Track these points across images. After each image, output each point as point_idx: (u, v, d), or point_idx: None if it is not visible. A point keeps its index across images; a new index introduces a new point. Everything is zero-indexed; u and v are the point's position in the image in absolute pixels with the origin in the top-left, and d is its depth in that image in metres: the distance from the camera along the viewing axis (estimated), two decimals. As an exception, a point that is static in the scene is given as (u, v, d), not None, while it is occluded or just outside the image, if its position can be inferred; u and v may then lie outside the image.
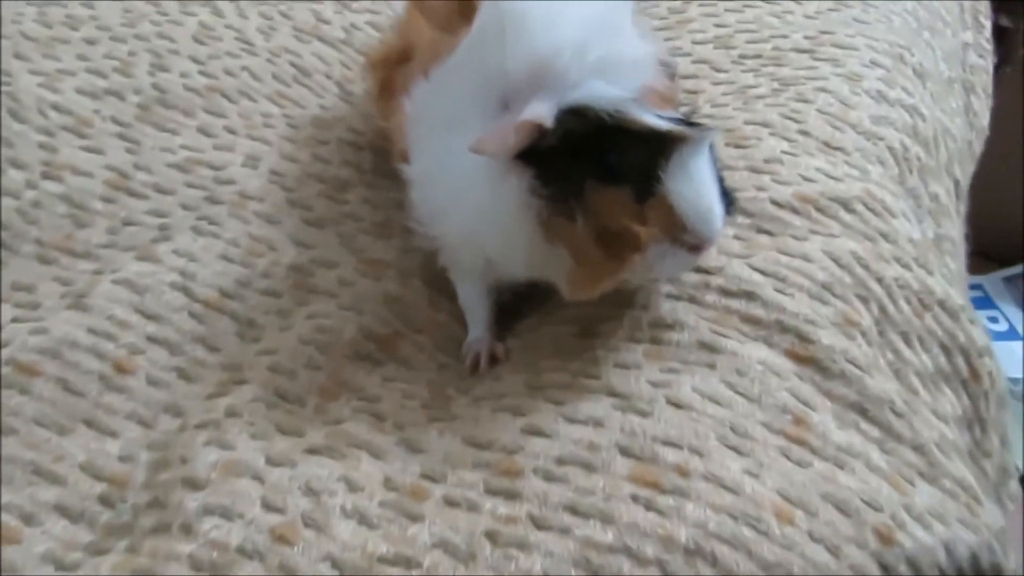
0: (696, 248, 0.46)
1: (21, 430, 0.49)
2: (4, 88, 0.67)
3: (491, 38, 0.49)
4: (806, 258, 0.54)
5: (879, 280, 0.55)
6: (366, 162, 0.70)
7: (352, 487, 0.44)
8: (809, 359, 0.49)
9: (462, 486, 0.43)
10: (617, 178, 0.46)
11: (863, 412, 0.49)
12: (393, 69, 0.64)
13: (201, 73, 0.73)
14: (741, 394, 0.46)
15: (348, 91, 0.77)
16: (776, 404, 0.46)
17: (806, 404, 0.47)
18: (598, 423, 0.45)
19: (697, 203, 0.45)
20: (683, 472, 0.42)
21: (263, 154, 0.69)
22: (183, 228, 0.61)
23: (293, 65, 0.77)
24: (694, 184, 0.45)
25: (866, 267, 0.55)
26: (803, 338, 0.50)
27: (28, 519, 0.45)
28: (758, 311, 0.51)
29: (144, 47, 0.74)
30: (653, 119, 0.45)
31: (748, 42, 0.79)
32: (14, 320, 0.55)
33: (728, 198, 0.48)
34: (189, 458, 0.46)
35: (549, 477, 0.43)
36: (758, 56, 0.77)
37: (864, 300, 0.54)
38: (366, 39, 0.82)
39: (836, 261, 0.54)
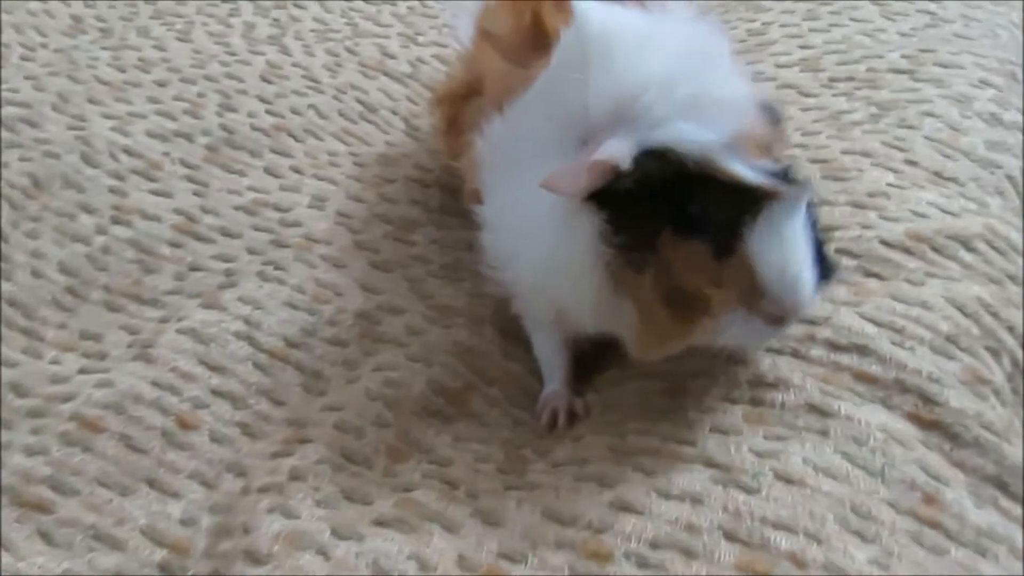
0: (777, 320, 0.41)
1: (83, 491, 0.47)
2: (78, 133, 0.68)
3: (573, 70, 0.46)
4: (925, 306, 0.48)
5: (1010, 329, 0.49)
6: (434, 201, 0.68)
7: (423, 565, 0.40)
8: (936, 424, 0.44)
9: (545, 569, 0.39)
10: (697, 231, 0.41)
11: (1003, 486, 0.42)
12: (460, 104, 0.62)
13: (268, 112, 0.72)
14: (861, 467, 0.41)
15: (414, 127, 0.75)
16: (902, 479, 0.41)
17: (937, 479, 0.41)
18: (696, 499, 0.40)
19: (783, 269, 0.40)
20: (799, 562, 0.37)
21: (329, 194, 0.67)
22: (248, 274, 0.60)
23: (359, 102, 0.75)
24: (782, 247, 0.40)
25: (995, 315, 0.49)
26: (928, 399, 0.44)
27: (88, 588, 0.43)
28: (873, 368, 0.45)
29: (213, 88, 0.73)
30: (742, 170, 0.41)
31: (838, 64, 0.74)
32: (81, 371, 0.54)
33: (826, 264, 0.43)
34: (251, 527, 0.43)
35: (643, 563, 0.38)
36: (851, 79, 0.71)
37: (995, 353, 0.47)
38: (432, 73, 0.80)
39: (960, 309, 0.48)
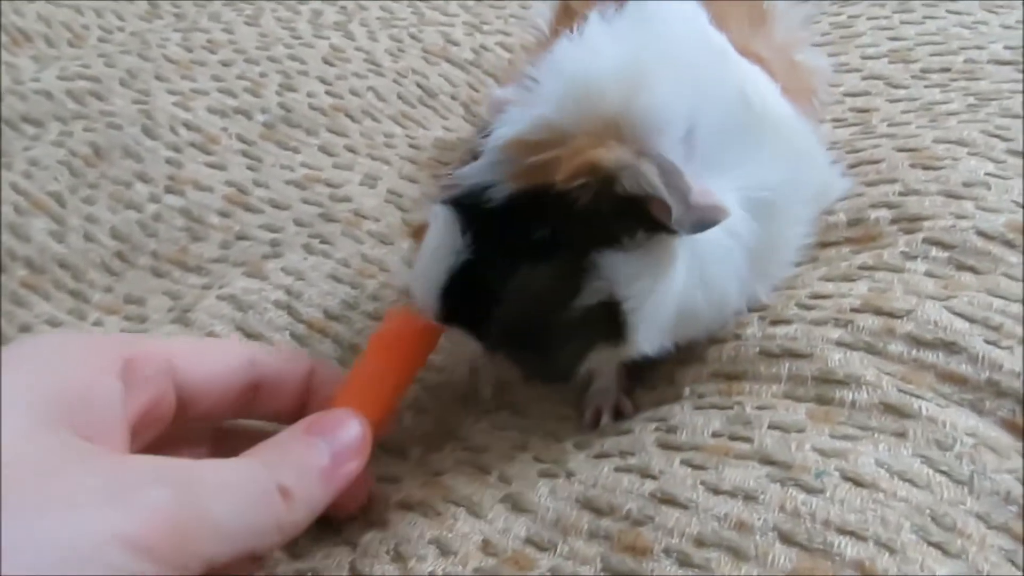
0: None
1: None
2: (141, 107, 0.69)
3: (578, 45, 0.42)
4: (1027, 303, 0.42)
5: None
6: (488, 184, 0.65)
7: (444, 550, 0.37)
8: (1036, 434, 0.38)
9: (574, 559, 0.35)
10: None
11: (1119, 511, 0.36)
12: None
13: (327, 93, 0.72)
14: (944, 473, 0.36)
15: (474, 113, 0.73)
16: (995, 491, 0.35)
17: (1037, 494, 0.35)
18: (750, 496, 0.35)
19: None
20: (868, 572, 0.32)
21: (382, 174, 0.65)
22: (294, 245, 0.58)
23: (419, 86, 0.74)
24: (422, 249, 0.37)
25: (1111, 318, 0.43)
26: (1028, 406, 0.38)
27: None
28: (963, 368, 0.40)
29: (275, 68, 0.74)
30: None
31: (932, 55, 0.68)
32: (121, 332, 0.54)
33: (494, 310, 0.36)
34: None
35: (685, 562, 0.34)
36: (946, 70, 0.66)
37: (1111, 360, 0.41)
38: (495, 60, 0.78)
39: (1070, 309, 0.42)
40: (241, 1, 0.84)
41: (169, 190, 0.62)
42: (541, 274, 0.36)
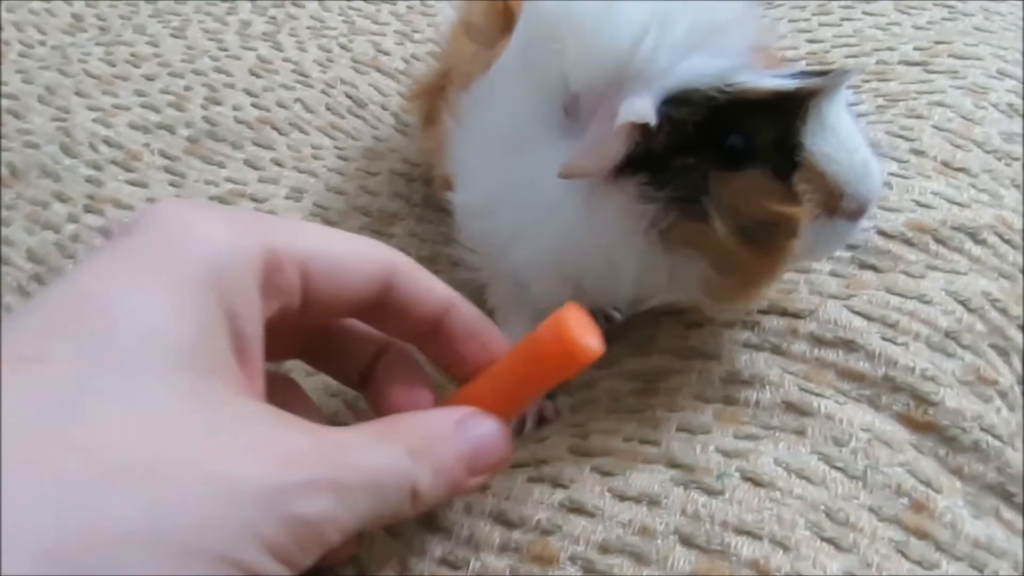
0: (856, 214, 0.39)
1: None
2: (60, 124, 0.67)
3: (540, 43, 0.43)
4: (923, 299, 0.44)
5: (1021, 328, 0.44)
6: (417, 194, 0.65)
7: (362, 572, 0.37)
8: (929, 426, 0.39)
9: (485, 574, 0.36)
10: (746, 160, 0.38)
11: (1006, 496, 0.38)
12: (437, 96, 0.59)
13: (254, 106, 0.71)
14: (840, 469, 0.37)
15: (404, 122, 0.73)
16: (887, 484, 0.36)
17: (928, 485, 0.37)
18: (653, 501, 0.36)
19: (851, 161, 0.38)
20: (762, 570, 0.33)
21: (309, 186, 0.65)
22: (216, 263, 0.58)
23: (348, 96, 0.74)
24: (842, 140, 0.38)
25: (1003, 311, 0.44)
26: (921, 399, 0.40)
27: None
28: (861, 365, 0.41)
29: (200, 81, 0.73)
30: (775, 81, 0.38)
31: (847, 56, 0.70)
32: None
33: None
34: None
35: (589, 568, 0.34)
36: (859, 71, 0.68)
37: (1002, 352, 0.43)
38: (426, 70, 0.78)
39: (964, 304, 0.44)
40: (169, 13, 0.83)
41: (88, 209, 0.61)
42: None
